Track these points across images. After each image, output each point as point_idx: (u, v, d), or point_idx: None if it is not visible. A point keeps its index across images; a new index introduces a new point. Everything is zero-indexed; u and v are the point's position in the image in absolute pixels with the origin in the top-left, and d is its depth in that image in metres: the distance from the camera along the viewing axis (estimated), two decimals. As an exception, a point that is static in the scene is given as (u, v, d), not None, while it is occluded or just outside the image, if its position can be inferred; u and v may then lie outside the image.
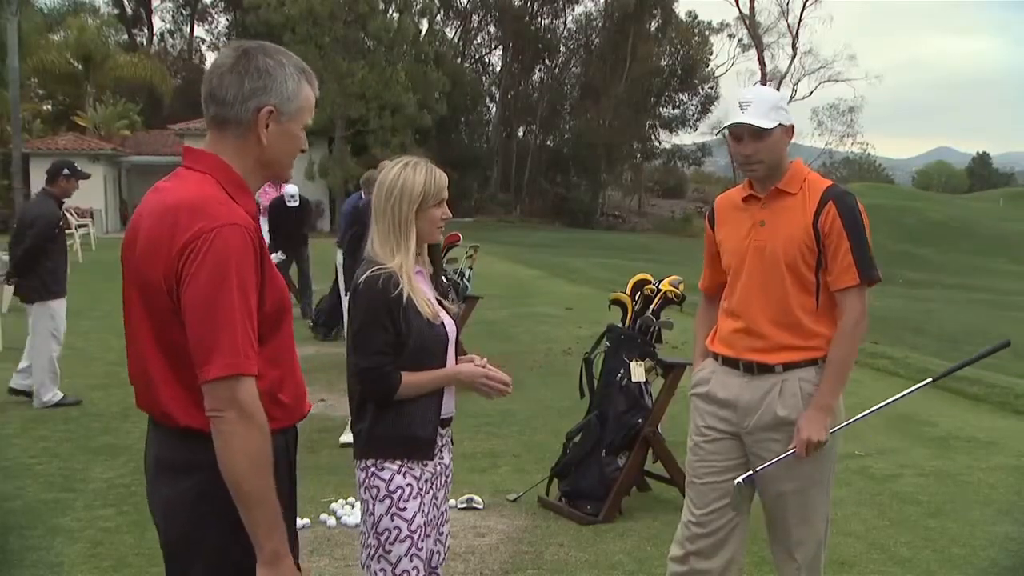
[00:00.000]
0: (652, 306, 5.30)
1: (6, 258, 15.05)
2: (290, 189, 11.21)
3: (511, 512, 5.11)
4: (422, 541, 2.71)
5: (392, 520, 2.69)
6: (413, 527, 2.70)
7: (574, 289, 16.76)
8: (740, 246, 3.16)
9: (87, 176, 7.85)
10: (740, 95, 3.10)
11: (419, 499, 2.72)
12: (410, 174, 2.78)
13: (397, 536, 2.68)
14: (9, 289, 12.29)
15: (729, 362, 3.20)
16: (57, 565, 4.30)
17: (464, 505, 5.11)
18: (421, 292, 2.75)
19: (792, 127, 3.11)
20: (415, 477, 2.72)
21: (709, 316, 3.43)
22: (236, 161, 2.10)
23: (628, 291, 5.47)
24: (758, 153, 3.06)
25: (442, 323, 2.78)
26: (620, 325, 5.42)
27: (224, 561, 2.06)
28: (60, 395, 7.47)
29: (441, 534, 2.91)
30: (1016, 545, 4.84)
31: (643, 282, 5.42)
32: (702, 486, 3.24)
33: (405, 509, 2.70)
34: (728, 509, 3.20)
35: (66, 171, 7.33)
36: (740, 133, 3.07)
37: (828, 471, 3.23)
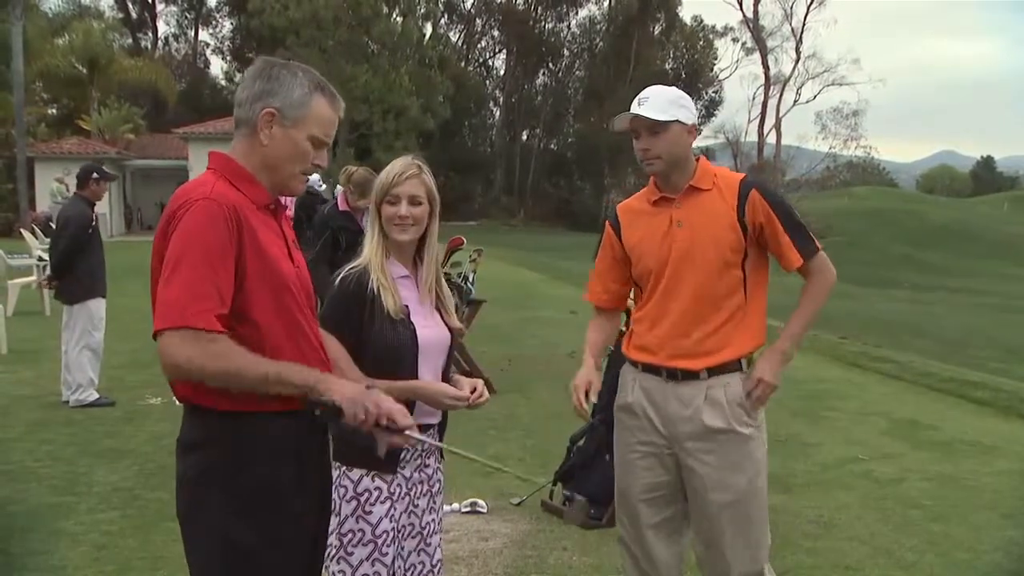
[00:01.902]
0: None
1: (11, 262, 15.17)
2: (313, 177, 10.95)
3: (515, 516, 5.10)
4: (386, 547, 2.65)
5: (357, 522, 2.64)
6: (377, 532, 2.64)
7: (577, 292, 16.72)
8: (660, 249, 3.10)
9: (115, 177, 8.19)
10: (640, 93, 3.10)
11: (388, 504, 2.66)
12: (384, 170, 2.81)
13: (360, 539, 2.63)
14: (15, 293, 12.38)
15: (651, 369, 3.14)
16: (60, 569, 4.30)
17: (468, 509, 5.10)
18: (390, 289, 2.69)
19: (695, 126, 3.10)
20: (385, 482, 2.67)
21: (602, 327, 3.40)
22: (245, 159, 2.23)
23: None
24: (654, 148, 3.04)
25: (411, 327, 2.70)
26: (624, 329, 5.41)
27: (225, 539, 2.13)
28: (95, 395, 7.53)
29: (428, 545, 2.81)
30: (1020, 549, 4.83)
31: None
32: (638, 503, 3.17)
33: (371, 513, 2.64)
34: (667, 523, 3.16)
35: (95, 174, 7.57)
36: (637, 129, 3.07)
37: (763, 478, 3.11)
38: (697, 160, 3.16)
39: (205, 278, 2.01)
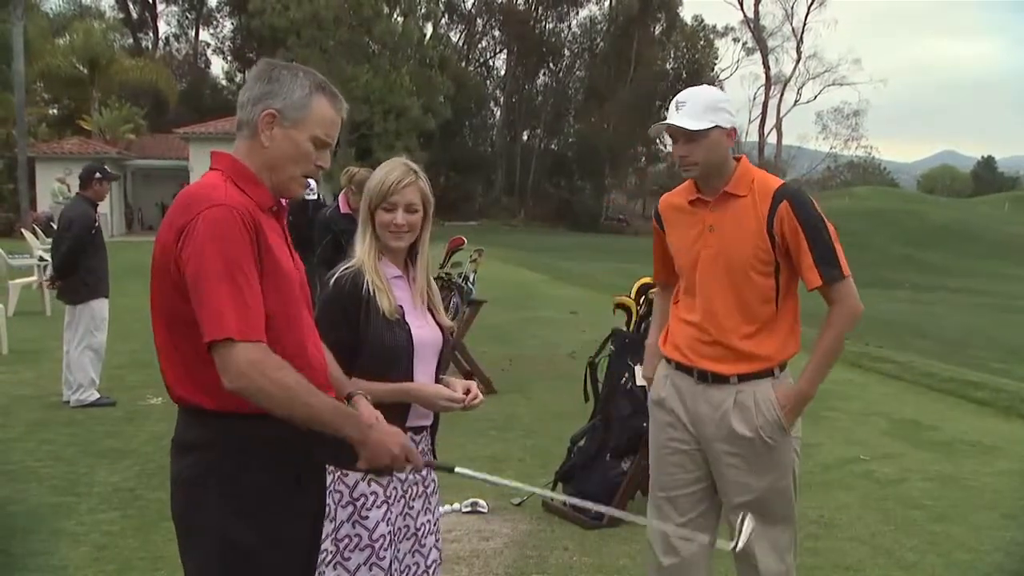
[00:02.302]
0: (656, 310, 5.29)
1: (12, 262, 15.17)
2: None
3: (516, 516, 5.10)
4: (384, 551, 2.63)
5: (353, 527, 2.62)
6: (375, 536, 2.62)
7: (578, 293, 16.77)
8: (691, 252, 3.09)
9: (117, 177, 8.23)
10: (678, 95, 3.05)
11: (384, 508, 2.65)
12: (377, 172, 2.76)
13: (357, 544, 2.61)
14: (15, 293, 12.38)
15: (683, 368, 3.14)
16: (61, 569, 4.30)
17: (468, 509, 5.10)
18: (385, 290, 2.68)
19: (734, 129, 3.04)
20: (381, 486, 2.65)
21: (666, 308, 3.38)
22: (248, 161, 2.21)
23: (632, 295, 5.47)
24: (692, 155, 2.99)
25: (407, 327, 2.69)
26: (624, 329, 5.42)
27: (224, 540, 2.12)
28: (96, 395, 7.54)
29: (423, 546, 2.79)
30: (1021, 550, 4.82)
31: (647, 286, 5.41)
32: (670, 498, 3.20)
33: (367, 518, 2.62)
34: (699, 520, 3.18)
35: (98, 174, 7.60)
36: (675, 134, 3.02)
37: (788, 479, 3.12)
38: (738, 161, 3.09)
39: (244, 287, 2.02)
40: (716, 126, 2.96)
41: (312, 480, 2.32)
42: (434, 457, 2.88)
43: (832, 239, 2.99)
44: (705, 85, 3.16)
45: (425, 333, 2.75)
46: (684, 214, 3.16)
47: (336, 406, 2.14)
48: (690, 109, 2.97)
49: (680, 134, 3.00)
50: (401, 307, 2.71)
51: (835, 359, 3.11)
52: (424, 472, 2.79)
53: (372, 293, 2.65)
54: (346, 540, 2.62)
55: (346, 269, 2.72)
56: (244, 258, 2.04)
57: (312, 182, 8.49)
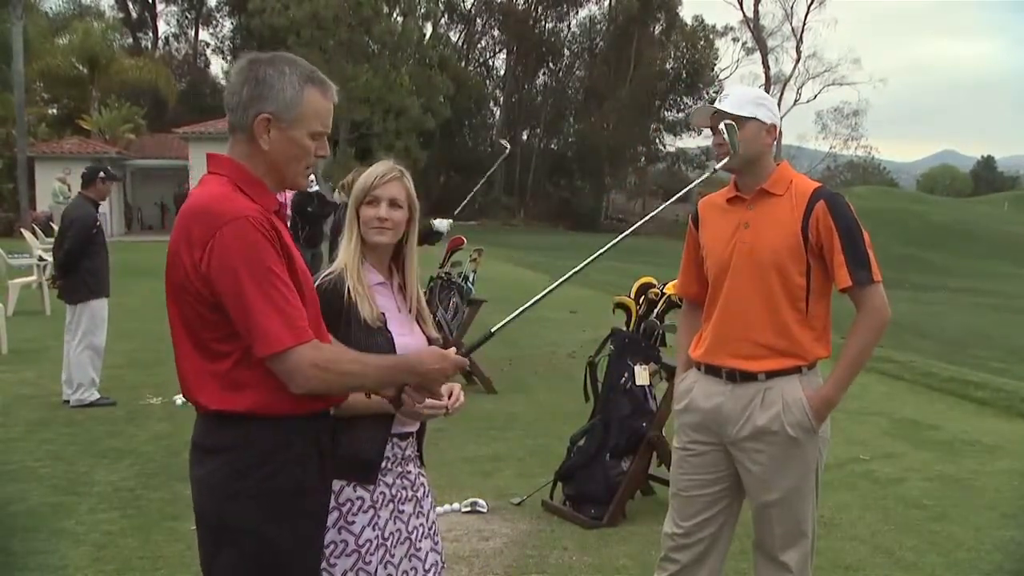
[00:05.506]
0: (656, 310, 5.30)
1: (12, 262, 15.16)
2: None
3: (515, 516, 5.10)
4: (370, 556, 2.61)
5: (339, 533, 2.59)
6: (360, 541, 2.60)
7: (578, 292, 16.74)
8: (724, 248, 3.11)
9: (119, 178, 8.21)
10: (724, 89, 3.10)
11: (371, 513, 2.63)
12: (364, 173, 2.77)
13: (343, 550, 2.59)
14: (15, 293, 12.38)
15: (711, 370, 3.15)
16: (61, 568, 4.30)
17: (468, 508, 5.11)
18: (366, 296, 2.64)
19: (774, 127, 3.07)
20: (368, 491, 2.63)
21: (692, 322, 3.38)
22: (250, 164, 2.20)
23: (632, 295, 5.47)
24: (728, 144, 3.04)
25: (388, 335, 2.64)
26: (624, 329, 5.42)
27: (254, 540, 2.14)
28: (97, 395, 7.55)
29: (418, 550, 2.74)
30: (1021, 549, 4.83)
31: (647, 285, 5.42)
32: (686, 498, 3.22)
33: (353, 523, 2.60)
34: (712, 521, 3.19)
35: (102, 174, 7.70)
36: (715, 124, 3.07)
37: (810, 482, 3.12)
38: (778, 164, 3.14)
39: (281, 292, 2.06)
40: (755, 118, 3.02)
41: (330, 477, 2.37)
42: (421, 462, 2.84)
43: (866, 243, 3.00)
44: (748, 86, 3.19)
45: (409, 341, 2.69)
46: (721, 212, 3.20)
47: (388, 366, 2.29)
48: (732, 99, 3.05)
49: (719, 122, 3.04)
50: (383, 314, 2.66)
51: (862, 365, 3.10)
52: (412, 477, 2.76)
53: (354, 300, 2.62)
54: (332, 546, 2.58)
55: (327, 275, 2.68)
56: (273, 263, 2.07)
57: (312, 177, 8.45)
